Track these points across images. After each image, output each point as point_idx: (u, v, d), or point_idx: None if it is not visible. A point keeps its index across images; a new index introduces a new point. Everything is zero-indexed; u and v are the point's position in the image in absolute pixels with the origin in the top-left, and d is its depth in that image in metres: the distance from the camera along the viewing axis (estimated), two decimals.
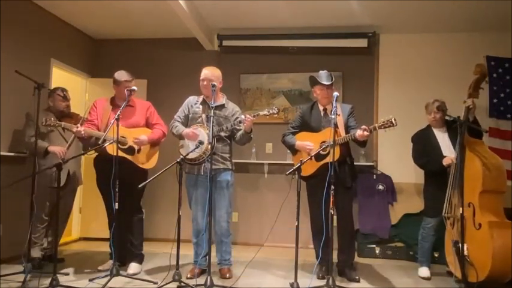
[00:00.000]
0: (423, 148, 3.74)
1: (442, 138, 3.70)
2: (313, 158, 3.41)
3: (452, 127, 3.66)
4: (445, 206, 3.44)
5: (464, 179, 3.23)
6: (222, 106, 3.60)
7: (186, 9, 4.19)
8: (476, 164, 3.31)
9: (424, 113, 3.85)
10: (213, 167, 3.27)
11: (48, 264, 3.72)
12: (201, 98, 3.65)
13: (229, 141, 3.63)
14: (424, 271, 3.70)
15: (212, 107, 3.23)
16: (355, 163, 3.72)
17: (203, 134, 3.42)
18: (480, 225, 3.23)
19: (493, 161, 3.34)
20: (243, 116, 3.39)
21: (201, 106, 3.61)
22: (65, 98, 3.91)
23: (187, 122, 3.63)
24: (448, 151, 3.61)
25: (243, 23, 4.98)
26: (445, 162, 3.52)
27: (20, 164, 4.04)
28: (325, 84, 3.54)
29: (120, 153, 3.41)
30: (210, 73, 3.53)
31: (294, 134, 3.72)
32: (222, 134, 3.52)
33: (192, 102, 3.66)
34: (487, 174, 3.27)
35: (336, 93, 3.25)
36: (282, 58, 5.21)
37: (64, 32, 4.98)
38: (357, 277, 3.49)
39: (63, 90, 3.93)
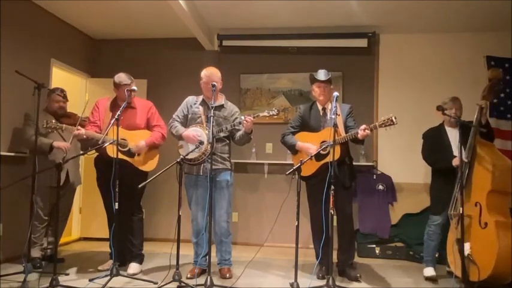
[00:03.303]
0: (433, 146, 3.71)
1: (454, 137, 3.61)
2: (313, 158, 3.41)
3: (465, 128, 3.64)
4: (451, 203, 3.40)
5: (472, 178, 3.22)
6: (221, 106, 3.60)
7: (186, 9, 4.19)
8: (486, 164, 3.30)
9: (424, 112, 3.84)
10: (213, 167, 3.27)
11: (48, 264, 3.72)
12: (200, 98, 3.65)
13: (228, 141, 3.63)
14: (429, 271, 3.61)
15: (212, 107, 3.23)
16: (355, 163, 3.72)
17: (203, 134, 3.43)
18: (486, 224, 3.21)
19: (502, 162, 3.33)
20: (242, 117, 3.39)
21: (200, 106, 3.60)
22: (65, 98, 3.91)
23: (186, 122, 3.63)
24: (459, 150, 3.58)
25: (243, 23, 4.98)
26: (454, 162, 3.47)
27: (20, 164, 4.04)
28: (321, 81, 3.55)
29: (120, 156, 3.41)
30: (213, 74, 3.52)
31: (293, 133, 3.71)
32: (222, 134, 3.52)
33: (191, 103, 3.66)
34: (497, 175, 3.25)
35: (336, 93, 3.25)
36: (282, 58, 5.21)
37: (64, 32, 4.98)
38: (358, 275, 3.50)
39: (63, 90, 3.92)
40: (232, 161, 3.71)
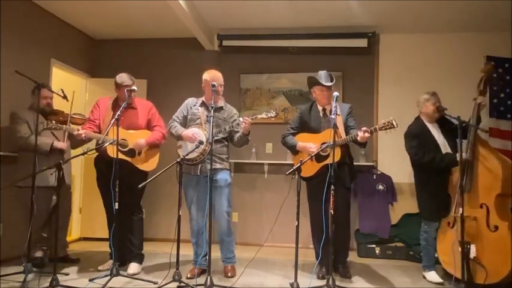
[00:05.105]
0: (423, 144, 3.52)
1: (438, 134, 3.58)
2: (313, 159, 3.41)
3: (444, 125, 3.57)
4: (454, 206, 3.33)
5: (478, 179, 3.17)
6: (221, 108, 3.63)
7: (186, 9, 4.20)
8: (495, 165, 3.20)
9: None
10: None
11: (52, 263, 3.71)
12: (200, 100, 3.67)
13: (226, 142, 3.66)
14: (433, 275, 3.53)
15: (212, 107, 3.24)
16: (355, 163, 3.71)
17: (202, 135, 3.44)
18: (496, 227, 3.14)
19: (508, 164, 3.25)
20: (241, 119, 3.40)
21: (200, 108, 3.62)
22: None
23: (185, 123, 3.65)
24: (444, 149, 3.51)
25: (243, 23, 4.98)
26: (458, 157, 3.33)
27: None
28: (325, 86, 3.54)
29: (121, 156, 3.41)
30: (216, 76, 3.54)
31: (293, 135, 3.71)
32: (220, 135, 3.54)
33: (191, 104, 3.68)
34: (506, 176, 3.17)
35: (336, 93, 3.24)
36: (282, 58, 5.21)
37: (64, 32, 4.98)
38: (348, 274, 3.53)
39: (50, 89, 3.86)
40: (232, 161, 3.72)
